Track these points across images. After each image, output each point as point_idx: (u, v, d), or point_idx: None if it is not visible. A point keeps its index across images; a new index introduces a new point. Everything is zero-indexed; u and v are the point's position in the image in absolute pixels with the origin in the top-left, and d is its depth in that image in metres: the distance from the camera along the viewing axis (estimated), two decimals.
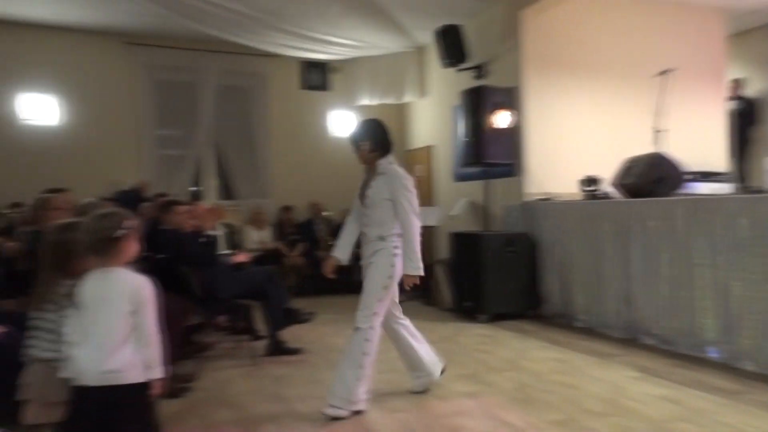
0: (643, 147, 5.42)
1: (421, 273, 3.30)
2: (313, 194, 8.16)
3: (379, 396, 3.56)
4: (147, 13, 6.45)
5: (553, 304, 5.67)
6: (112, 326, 2.14)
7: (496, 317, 5.69)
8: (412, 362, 3.61)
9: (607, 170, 5.40)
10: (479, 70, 6.51)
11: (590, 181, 5.61)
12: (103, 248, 2.19)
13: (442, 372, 3.67)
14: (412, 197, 3.32)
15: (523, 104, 6.16)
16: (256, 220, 7.72)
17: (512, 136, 6.03)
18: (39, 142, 7.01)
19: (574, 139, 6.32)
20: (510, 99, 6.01)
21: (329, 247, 7.68)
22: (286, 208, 7.98)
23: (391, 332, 3.59)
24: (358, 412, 3.22)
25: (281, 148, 8.20)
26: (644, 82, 6.05)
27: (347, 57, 8.08)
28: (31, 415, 2.29)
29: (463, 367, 4.15)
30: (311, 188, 8.22)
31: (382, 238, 3.33)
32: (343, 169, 8.54)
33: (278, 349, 4.64)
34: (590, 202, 5.39)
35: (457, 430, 3.02)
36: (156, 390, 2.23)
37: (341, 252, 3.56)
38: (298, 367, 4.30)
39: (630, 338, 4.73)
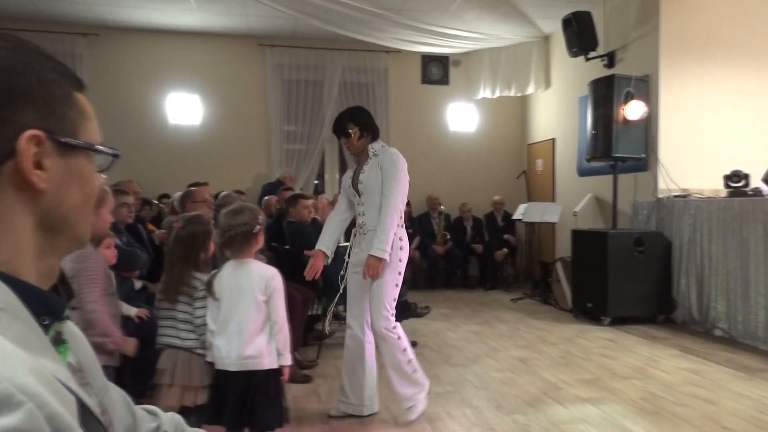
0: None
1: (386, 258, 2.93)
2: (430, 189, 8.19)
3: (494, 395, 3.51)
4: (279, 16, 6.83)
5: (687, 310, 5.22)
6: (249, 315, 2.32)
7: (621, 321, 5.37)
8: (351, 384, 3.18)
9: (756, 165, 4.86)
10: (610, 58, 6.15)
11: (737, 176, 5.07)
12: (237, 242, 2.37)
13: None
14: (399, 175, 3.01)
15: (658, 93, 5.70)
16: None
17: (645, 128, 5.62)
18: (184, 140, 7.70)
19: (717, 131, 5.76)
20: (644, 88, 5.60)
21: (445, 241, 7.84)
22: None
23: (355, 339, 3.17)
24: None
25: (400, 142, 8.29)
26: None
27: (469, 50, 8.00)
28: (172, 398, 2.43)
29: (584, 372, 3.96)
30: (428, 182, 8.25)
31: None
32: (461, 163, 8.52)
33: None
34: (737, 200, 4.87)
35: None
36: (285, 375, 2.39)
37: (326, 246, 3.17)
38: None
39: None
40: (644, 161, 5.74)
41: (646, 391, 3.54)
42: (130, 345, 2.55)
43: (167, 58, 7.67)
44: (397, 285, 3.06)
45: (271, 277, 2.38)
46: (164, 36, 7.60)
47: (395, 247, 3.03)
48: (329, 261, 3.21)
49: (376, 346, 3.14)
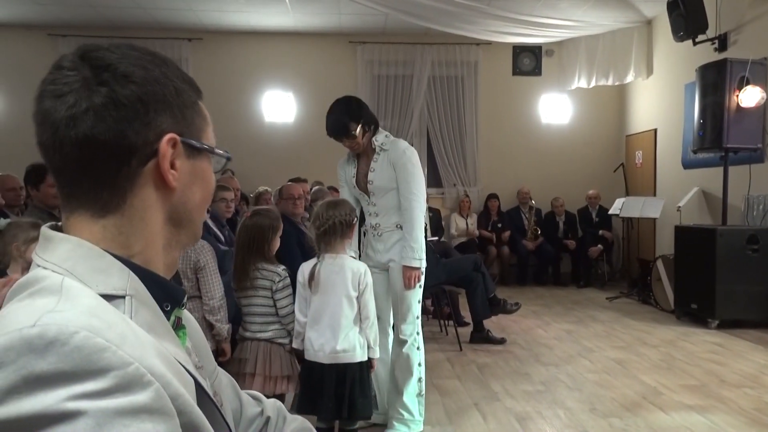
0: None
1: (423, 265, 2.76)
2: (520, 183, 8.00)
3: (588, 396, 3.38)
4: (370, 13, 6.92)
5: None
6: (341, 311, 2.39)
7: (730, 324, 4.98)
8: (380, 390, 3.01)
9: None
10: (721, 41, 5.69)
11: None
12: (335, 233, 2.43)
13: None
14: (417, 172, 2.76)
15: None
16: (461, 208, 7.84)
17: (762, 116, 5.16)
18: (279, 137, 8.02)
19: None
20: (761, 72, 5.13)
21: (536, 237, 7.62)
22: (492, 196, 7.95)
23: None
24: None
25: (490, 135, 8.18)
26: None
27: (563, 38, 7.71)
28: (254, 387, 2.52)
29: (688, 377, 3.72)
30: (519, 176, 8.07)
31: (401, 227, 2.80)
32: (554, 157, 8.24)
33: (483, 338, 4.67)
34: None
35: None
36: (373, 367, 2.45)
37: (354, 251, 2.92)
38: (502, 357, 4.28)
39: None
40: (761, 152, 5.27)
41: (761, 402, 3.27)
42: (227, 344, 2.70)
43: (263, 58, 8.01)
44: (420, 286, 2.86)
45: (364, 273, 2.43)
46: (261, 37, 7.94)
47: None
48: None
49: (393, 351, 2.95)
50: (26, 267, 2.06)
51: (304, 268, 2.48)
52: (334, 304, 2.39)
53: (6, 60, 7.58)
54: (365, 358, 2.43)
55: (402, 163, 2.75)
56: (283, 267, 2.64)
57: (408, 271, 2.75)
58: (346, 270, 2.41)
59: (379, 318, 2.95)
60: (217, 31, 7.79)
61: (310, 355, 2.42)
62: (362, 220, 2.98)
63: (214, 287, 2.65)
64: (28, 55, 7.38)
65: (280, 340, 2.59)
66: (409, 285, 2.78)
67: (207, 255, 2.69)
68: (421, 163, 2.87)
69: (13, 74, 7.39)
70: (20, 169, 3.85)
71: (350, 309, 2.39)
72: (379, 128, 2.87)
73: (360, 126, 2.75)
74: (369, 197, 2.87)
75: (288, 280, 2.66)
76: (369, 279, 2.44)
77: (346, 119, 2.75)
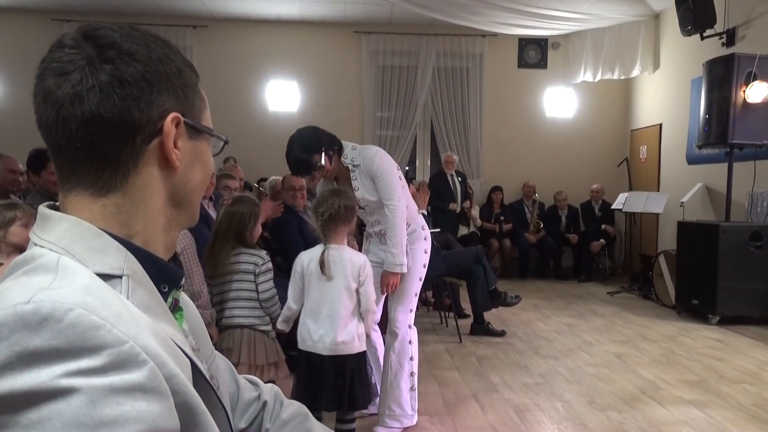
0: None
1: (404, 271, 2.70)
2: (525, 176, 7.98)
3: (587, 389, 3.39)
4: (375, 3, 6.89)
5: None
6: (341, 302, 2.37)
7: (731, 320, 4.98)
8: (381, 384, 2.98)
9: None
10: (729, 35, 5.65)
11: None
12: (338, 220, 2.41)
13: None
14: (391, 177, 2.67)
15: None
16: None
17: None
18: (283, 126, 7.97)
19: None
20: None
21: (538, 230, 7.61)
22: (495, 189, 7.93)
23: (378, 339, 3.00)
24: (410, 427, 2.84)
25: (494, 128, 8.15)
26: None
27: (569, 31, 7.65)
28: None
29: (688, 372, 3.72)
30: (523, 170, 8.04)
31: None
32: (558, 151, 8.22)
33: (483, 330, 4.68)
34: None
35: None
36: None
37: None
38: (502, 350, 4.29)
39: None
40: (766, 148, 5.24)
41: (760, 398, 3.27)
42: (213, 328, 2.67)
43: (268, 47, 7.98)
44: (420, 279, 2.82)
45: (363, 264, 2.42)
46: (266, 26, 7.90)
47: (419, 238, 2.85)
48: None
49: (384, 343, 2.93)
50: (12, 251, 2.04)
51: (303, 258, 2.47)
52: (334, 295, 2.37)
53: (9, 44, 7.56)
54: (363, 349, 2.43)
55: (376, 173, 2.67)
56: (265, 251, 2.65)
57: (387, 277, 2.69)
58: (345, 261, 2.39)
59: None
60: (223, 18, 7.76)
61: (308, 346, 2.40)
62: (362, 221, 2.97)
63: (193, 272, 2.63)
64: (32, 39, 7.36)
65: (263, 328, 2.60)
66: (386, 290, 2.73)
67: (185, 240, 2.65)
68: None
69: (16, 59, 7.38)
70: (21, 154, 3.85)
71: (350, 300, 2.38)
72: (343, 142, 2.74)
73: (323, 155, 2.62)
74: (364, 210, 2.82)
75: (270, 265, 2.68)
76: (369, 270, 2.43)
77: (306, 156, 2.60)
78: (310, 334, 2.39)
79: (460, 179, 7.34)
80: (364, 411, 3.00)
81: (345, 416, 2.47)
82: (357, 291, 2.40)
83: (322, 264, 2.38)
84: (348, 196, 2.46)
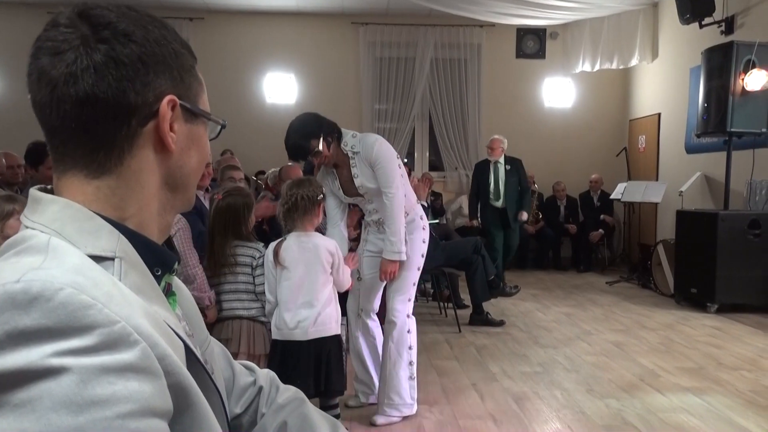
0: None
1: (403, 258, 2.70)
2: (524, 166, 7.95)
3: (586, 378, 3.40)
4: None
5: None
6: (318, 287, 2.42)
7: (730, 309, 4.98)
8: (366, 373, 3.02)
9: None
10: (728, 23, 5.62)
11: None
12: (300, 210, 2.43)
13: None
14: (391, 165, 2.67)
15: None
16: (466, 192, 7.81)
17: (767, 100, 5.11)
18: (280, 118, 7.92)
19: None
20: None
21: (537, 221, 7.60)
22: None
23: (375, 328, 3.01)
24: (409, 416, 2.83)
25: (492, 119, 8.12)
26: None
27: (568, 21, 7.62)
28: None
29: (686, 360, 3.74)
30: (522, 160, 8.01)
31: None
32: (556, 141, 8.20)
33: (482, 320, 4.69)
34: None
35: (681, 427, 2.74)
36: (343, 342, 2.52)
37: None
38: (501, 339, 4.30)
39: None
40: (765, 136, 5.23)
41: (757, 384, 3.28)
42: (213, 308, 2.66)
43: (265, 39, 7.94)
44: (419, 268, 2.83)
45: (334, 249, 2.47)
46: (263, 18, 7.85)
47: (417, 228, 2.84)
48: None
49: (383, 333, 2.94)
50: None
51: (270, 250, 2.48)
52: (311, 281, 2.41)
53: (5, 38, 7.52)
54: (339, 332, 2.47)
55: (375, 161, 2.67)
56: (262, 244, 2.66)
57: (385, 265, 2.70)
58: (319, 247, 2.43)
59: (372, 304, 2.98)
60: (220, 10, 7.71)
61: (284, 335, 2.40)
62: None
63: (188, 256, 2.61)
64: (28, 33, 7.22)
65: (262, 318, 2.62)
66: (385, 278, 2.75)
67: (179, 224, 2.62)
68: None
69: (12, 52, 7.33)
70: (19, 147, 3.84)
71: (326, 285, 2.44)
72: (343, 130, 2.75)
73: (321, 140, 2.62)
74: (366, 202, 2.83)
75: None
76: (340, 254, 2.48)
77: (304, 141, 2.62)
78: (286, 323, 2.40)
79: (509, 167, 6.20)
80: (364, 400, 3.02)
81: (327, 403, 2.50)
82: (332, 275, 2.45)
83: (276, 254, 2.43)
84: (311, 186, 2.46)
